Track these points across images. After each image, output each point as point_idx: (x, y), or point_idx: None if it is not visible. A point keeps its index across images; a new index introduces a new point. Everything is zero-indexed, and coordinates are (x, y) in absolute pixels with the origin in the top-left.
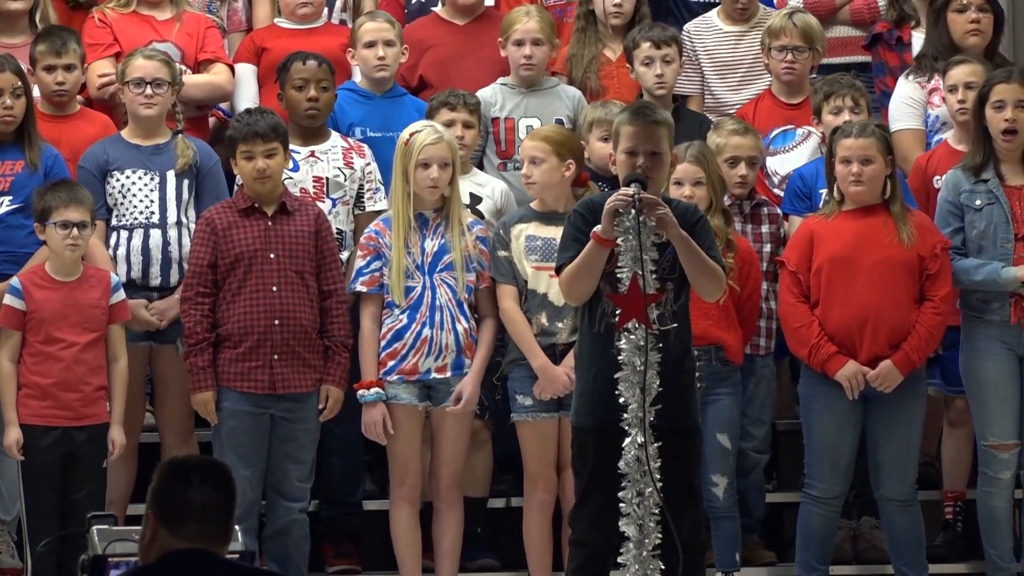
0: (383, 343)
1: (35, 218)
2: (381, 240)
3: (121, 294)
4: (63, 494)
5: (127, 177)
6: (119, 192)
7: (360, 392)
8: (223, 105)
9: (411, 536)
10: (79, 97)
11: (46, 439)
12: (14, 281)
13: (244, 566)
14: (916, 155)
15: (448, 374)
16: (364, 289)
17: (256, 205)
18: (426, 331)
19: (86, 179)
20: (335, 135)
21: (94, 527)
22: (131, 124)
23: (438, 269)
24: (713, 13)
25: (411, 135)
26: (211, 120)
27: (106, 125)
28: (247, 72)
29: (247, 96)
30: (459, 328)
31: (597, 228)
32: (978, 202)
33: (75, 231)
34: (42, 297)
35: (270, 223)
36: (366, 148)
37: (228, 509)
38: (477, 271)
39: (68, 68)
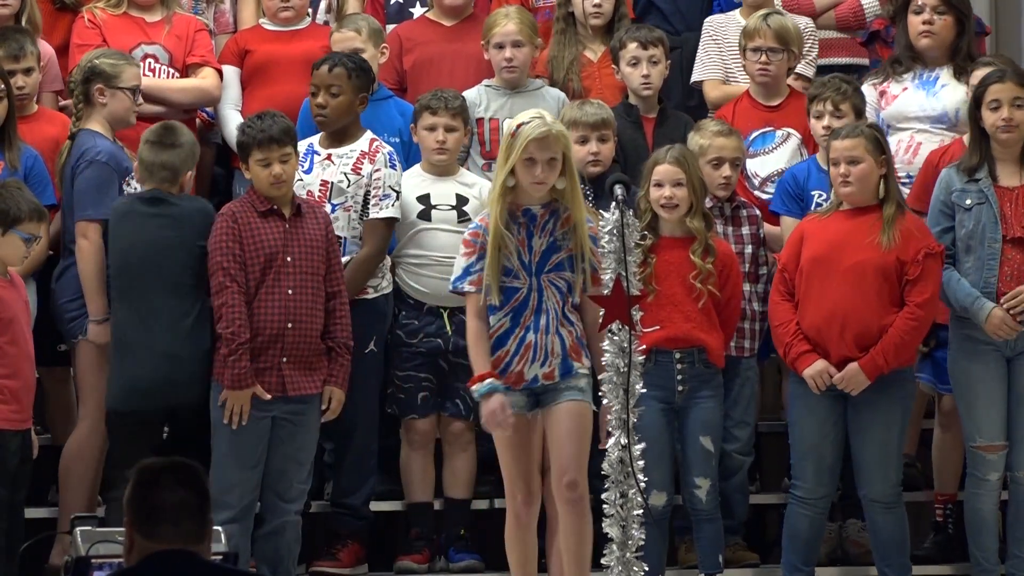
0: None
1: None
2: (486, 237)
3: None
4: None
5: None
6: None
7: (473, 388)
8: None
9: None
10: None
11: (14, 443)
12: None
13: (223, 567)
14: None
15: (557, 379)
16: (472, 289)
17: (274, 207)
18: (530, 336)
19: (110, 178)
20: (365, 138)
21: (77, 528)
22: (114, 128)
23: (546, 269)
24: (736, 11)
25: (518, 126)
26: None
27: (65, 125)
28: (231, 74)
29: (231, 98)
30: (563, 332)
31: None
32: (968, 201)
33: (34, 245)
34: (6, 297)
35: (287, 225)
36: (381, 154)
37: (200, 507)
38: (588, 272)
39: (27, 72)
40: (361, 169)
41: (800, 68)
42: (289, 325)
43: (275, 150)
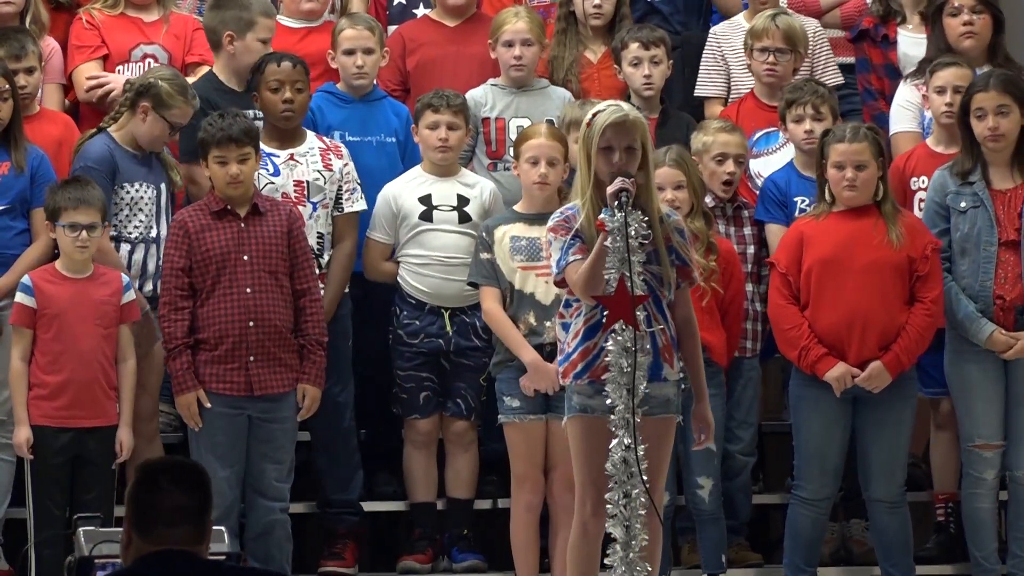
0: (576, 340)
1: (46, 216)
2: (574, 223)
3: (132, 294)
4: (71, 496)
5: (136, 190)
6: (127, 204)
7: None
8: None
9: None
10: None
11: (57, 440)
12: (25, 279)
13: (221, 564)
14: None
15: (643, 383)
16: (579, 257)
17: (228, 207)
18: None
19: (97, 180)
20: (311, 135)
21: (80, 528)
22: (134, 138)
23: None
24: (740, 16)
25: (593, 115)
26: None
27: (67, 125)
28: None
29: None
30: (656, 329)
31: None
32: (963, 204)
33: (84, 233)
34: (53, 293)
35: (243, 225)
36: (343, 148)
37: (198, 509)
38: (676, 266)
39: (29, 71)
40: (332, 165)
41: (828, 79)
42: (251, 324)
43: (233, 150)
